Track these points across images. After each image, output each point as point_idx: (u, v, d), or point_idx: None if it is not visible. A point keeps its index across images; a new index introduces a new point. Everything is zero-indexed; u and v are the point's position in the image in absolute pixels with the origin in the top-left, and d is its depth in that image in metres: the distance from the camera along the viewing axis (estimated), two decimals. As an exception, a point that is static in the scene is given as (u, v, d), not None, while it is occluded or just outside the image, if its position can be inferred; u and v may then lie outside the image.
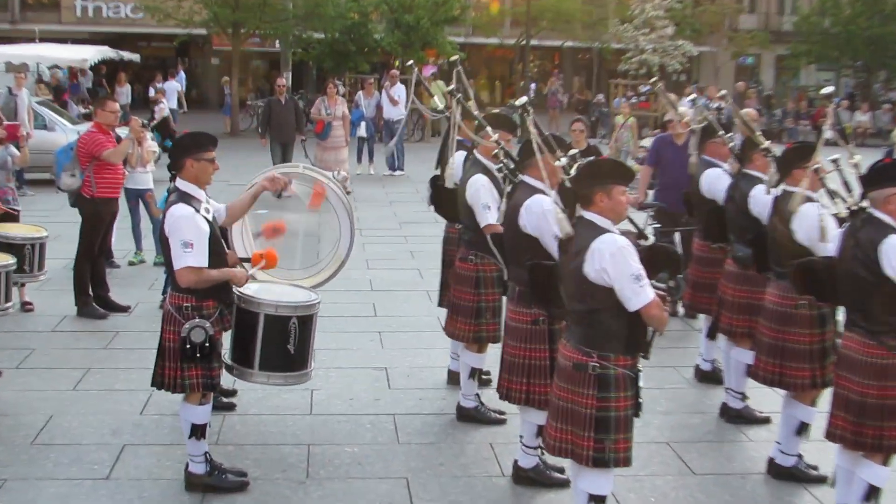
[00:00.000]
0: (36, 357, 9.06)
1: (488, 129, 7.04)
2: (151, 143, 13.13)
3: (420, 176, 19.95)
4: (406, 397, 8.20)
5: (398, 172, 22.25)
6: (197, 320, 6.13)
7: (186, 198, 6.18)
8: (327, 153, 19.03)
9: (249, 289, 6.53)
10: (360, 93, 23.68)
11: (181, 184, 6.27)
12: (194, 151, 6.26)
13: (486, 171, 7.26)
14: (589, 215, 5.35)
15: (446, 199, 7.82)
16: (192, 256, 6.01)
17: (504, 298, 6.98)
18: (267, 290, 6.68)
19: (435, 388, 8.43)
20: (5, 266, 8.54)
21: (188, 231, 6.03)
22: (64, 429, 7.40)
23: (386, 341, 9.73)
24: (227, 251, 6.61)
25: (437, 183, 8.10)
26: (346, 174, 18.74)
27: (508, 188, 6.78)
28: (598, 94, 38.82)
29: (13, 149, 11.27)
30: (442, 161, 7.99)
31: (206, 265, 6.07)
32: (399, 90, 23.05)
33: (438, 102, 9.31)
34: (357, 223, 8.01)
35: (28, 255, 9.60)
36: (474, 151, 7.48)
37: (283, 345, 6.45)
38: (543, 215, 6.11)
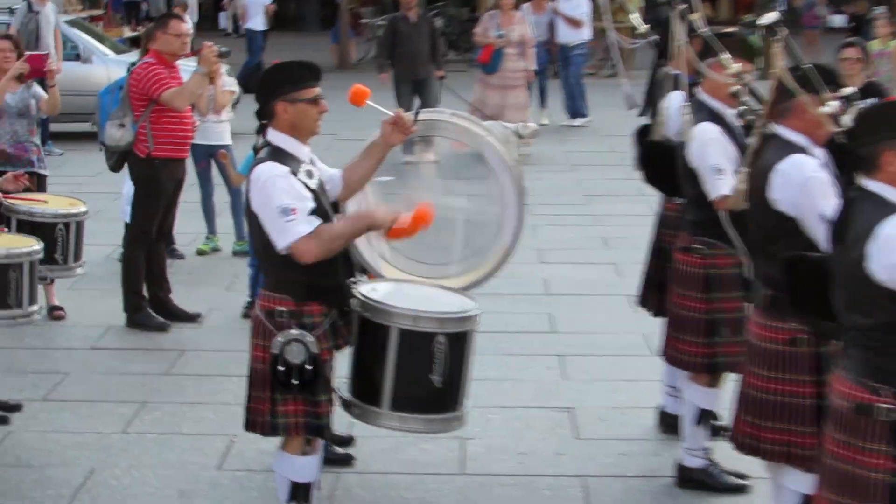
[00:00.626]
0: (69, 385, 9.30)
1: (723, 56, 6.99)
2: (228, 80, 13.10)
3: (614, 127, 19.87)
4: (601, 451, 8.21)
5: (580, 121, 22.25)
6: (294, 332, 6.17)
7: (280, 155, 6.23)
8: (491, 93, 19.10)
9: (376, 292, 6.52)
10: (527, 6, 23.69)
11: (273, 136, 6.33)
12: (287, 90, 6.29)
13: (717, 119, 7.24)
14: (873, 185, 5.25)
15: (661, 161, 7.80)
16: (300, 223, 6.04)
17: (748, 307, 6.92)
18: (401, 294, 6.65)
19: (643, 439, 8.44)
20: (29, 254, 8.33)
21: (285, 193, 6.07)
22: (111, 488, 7.58)
23: (570, 369, 9.78)
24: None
25: (646, 138, 8.09)
26: (536, 128, 18.74)
27: (753, 143, 6.73)
28: (878, 6, 38.03)
29: (38, 88, 11.16)
30: (652, 105, 7.99)
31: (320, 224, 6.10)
32: (578, 4, 22.84)
33: (637, 22, 9.27)
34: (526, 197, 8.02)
35: (60, 239, 9.55)
36: (697, 90, 7.45)
37: (425, 373, 6.40)
38: (806, 185, 6.05)
